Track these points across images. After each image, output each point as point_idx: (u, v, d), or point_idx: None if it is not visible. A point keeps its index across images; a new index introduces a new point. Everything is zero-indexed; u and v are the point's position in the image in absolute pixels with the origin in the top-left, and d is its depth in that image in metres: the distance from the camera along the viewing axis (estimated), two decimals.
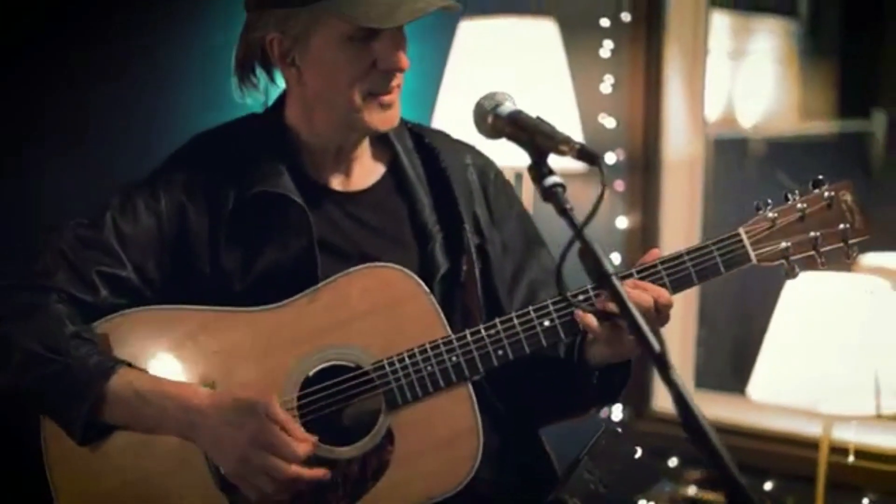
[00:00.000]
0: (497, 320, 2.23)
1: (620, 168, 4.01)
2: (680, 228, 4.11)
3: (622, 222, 4.09)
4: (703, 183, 4.13)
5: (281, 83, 2.40)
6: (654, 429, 3.96)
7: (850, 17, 6.39)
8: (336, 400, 2.26)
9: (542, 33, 3.82)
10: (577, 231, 1.85)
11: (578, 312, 2.19)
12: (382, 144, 2.43)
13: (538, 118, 1.99)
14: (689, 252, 2.22)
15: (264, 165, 2.34)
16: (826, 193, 2.24)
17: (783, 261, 2.24)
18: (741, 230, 2.23)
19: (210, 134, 2.50)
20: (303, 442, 2.17)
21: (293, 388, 2.26)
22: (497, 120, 2.02)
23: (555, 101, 3.80)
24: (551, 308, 2.22)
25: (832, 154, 5.88)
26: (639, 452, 3.96)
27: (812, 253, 2.24)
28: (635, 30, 3.97)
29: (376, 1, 2.20)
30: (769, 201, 2.24)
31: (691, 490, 3.96)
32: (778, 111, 5.72)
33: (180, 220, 2.34)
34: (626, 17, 3.99)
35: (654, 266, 2.22)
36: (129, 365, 2.26)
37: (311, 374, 2.26)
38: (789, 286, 3.51)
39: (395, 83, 2.28)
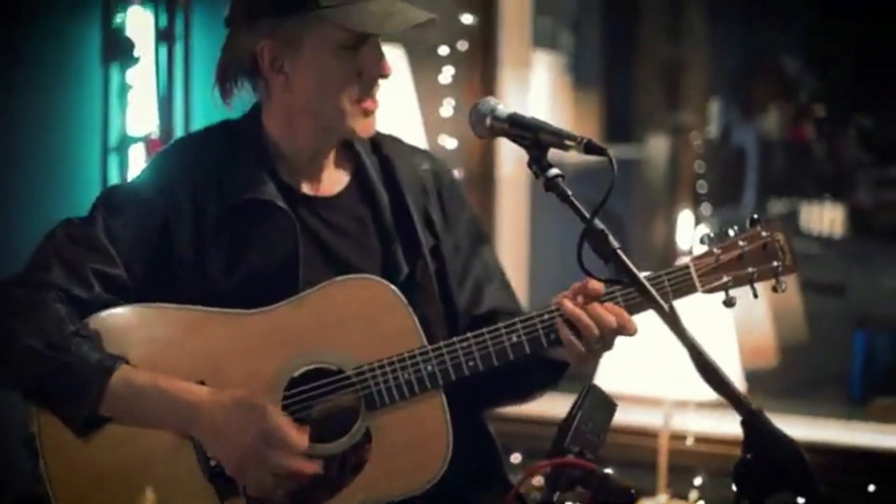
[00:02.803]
0: (469, 334, 2.41)
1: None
2: (512, 240, 4.44)
3: None
4: (530, 200, 4.49)
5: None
6: (499, 428, 4.20)
7: (608, 52, 6.91)
8: (319, 400, 2.39)
9: (392, 60, 4.05)
10: (588, 219, 2.12)
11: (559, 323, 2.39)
12: (345, 152, 2.56)
13: (533, 117, 2.25)
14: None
15: (249, 172, 2.44)
16: (763, 233, 2.45)
17: (723, 292, 2.46)
18: (690, 263, 2.44)
19: (192, 138, 2.62)
20: (300, 438, 2.32)
21: (279, 387, 2.38)
22: (496, 121, 2.27)
23: (403, 123, 4.05)
24: (519, 326, 2.41)
25: (603, 176, 6.35)
26: None
27: (748, 286, 2.46)
28: (471, 58, 4.28)
29: (371, 10, 2.36)
30: (711, 235, 2.45)
31: (537, 481, 4.24)
32: None
33: (167, 224, 2.42)
34: (462, 45, 4.29)
35: (612, 291, 2.42)
36: (128, 362, 2.34)
37: (295, 375, 2.39)
38: None
39: (376, 91, 2.44)
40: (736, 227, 2.47)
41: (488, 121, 2.28)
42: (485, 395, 2.64)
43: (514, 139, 2.25)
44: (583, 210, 2.14)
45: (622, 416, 4.06)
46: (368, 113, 2.44)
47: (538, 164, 2.20)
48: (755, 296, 2.46)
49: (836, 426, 4.30)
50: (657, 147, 6.43)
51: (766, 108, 6.58)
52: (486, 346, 2.40)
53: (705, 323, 3.78)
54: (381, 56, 2.43)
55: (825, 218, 6.42)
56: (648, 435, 4.01)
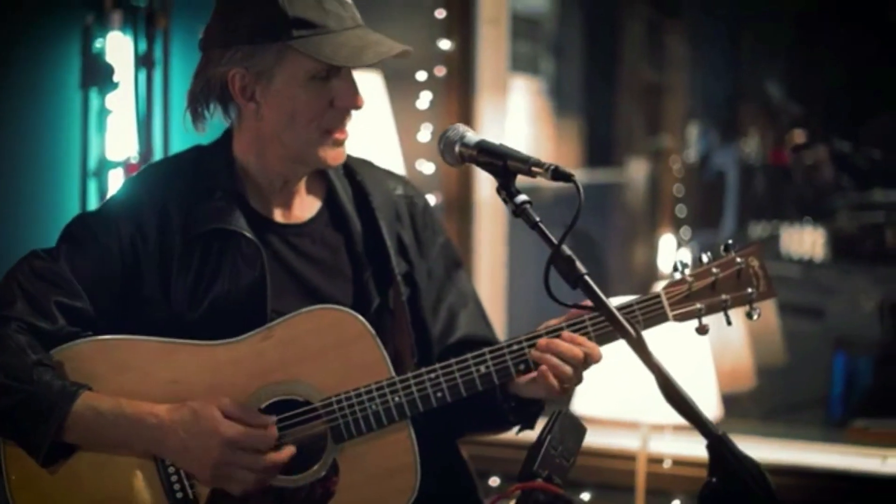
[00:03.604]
0: (437, 365, 2.40)
1: (438, 210, 4.30)
2: (490, 264, 4.45)
3: None
4: (507, 224, 4.50)
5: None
6: (477, 451, 4.21)
7: (589, 76, 6.94)
8: (286, 432, 2.38)
9: (370, 85, 4.09)
10: (557, 245, 2.13)
11: (535, 355, 2.39)
12: (317, 178, 2.56)
13: (501, 144, 2.26)
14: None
15: (216, 200, 2.44)
16: (738, 259, 2.44)
17: (696, 319, 2.44)
18: (662, 292, 2.43)
19: (161, 165, 2.62)
20: (266, 427, 2.33)
21: None
22: (465, 148, 2.28)
23: (381, 148, 4.07)
24: (488, 357, 2.40)
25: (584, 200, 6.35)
26: None
27: (721, 313, 2.44)
28: (449, 84, 4.31)
29: (343, 42, 2.35)
30: (685, 262, 2.43)
31: None
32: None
33: (133, 252, 2.43)
34: (440, 71, 4.31)
35: (582, 321, 2.41)
36: (91, 389, 2.34)
37: (262, 406, 2.39)
38: None
39: (347, 121, 2.43)
40: (710, 254, 2.46)
41: (457, 148, 2.28)
42: (459, 426, 2.65)
43: (483, 166, 2.26)
44: (551, 236, 2.15)
45: (600, 440, 4.16)
46: (338, 143, 2.44)
47: (507, 190, 2.21)
48: (728, 323, 2.45)
49: (815, 449, 4.31)
50: (638, 171, 6.45)
51: (747, 132, 6.61)
52: (453, 377, 2.39)
53: (680, 345, 3.79)
54: (353, 87, 2.42)
55: (805, 241, 6.44)
56: (626, 458, 4.03)
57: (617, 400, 3.77)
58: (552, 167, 2.16)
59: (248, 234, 2.44)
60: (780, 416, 5.10)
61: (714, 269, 2.43)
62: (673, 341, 3.77)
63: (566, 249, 2.13)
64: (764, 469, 1.94)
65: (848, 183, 6.34)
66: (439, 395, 2.39)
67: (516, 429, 2.58)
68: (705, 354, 3.85)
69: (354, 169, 2.61)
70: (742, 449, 3.83)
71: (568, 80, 6.85)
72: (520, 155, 2.21)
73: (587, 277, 2.11)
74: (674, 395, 2.00)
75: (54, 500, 2.38)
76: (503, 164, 2.21)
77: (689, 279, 2.43)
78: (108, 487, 2.37)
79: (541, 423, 2.24)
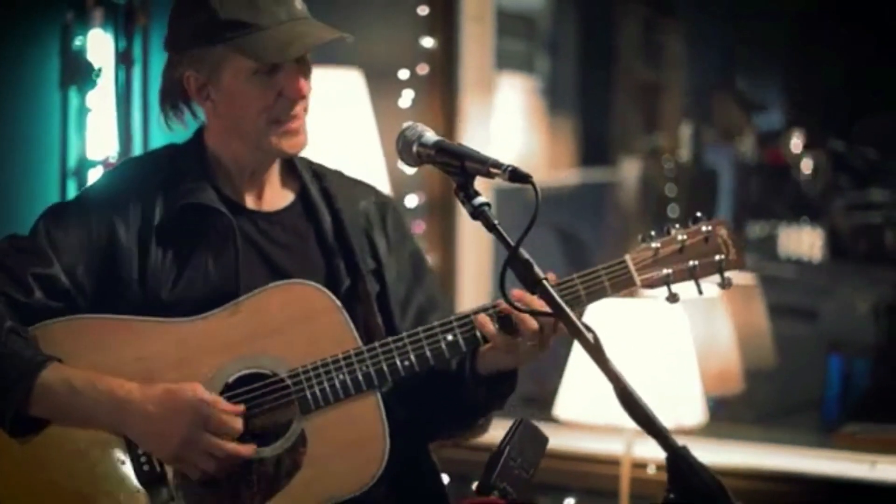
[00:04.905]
0: (404, 334, 2.42)
1: (421, 210, 4.27)
2: (475, 265, 4.41)
3: None
4: None
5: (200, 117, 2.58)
6: (458, 455, 4.17)
7: (585, 76, 6.90)
8: (254, 404, 2.40)
9: (350, 83, 4.05)
10: (514, 247, 2.09)
11: (479, 319, 2.39)
12: (290, 175, 2.61)
13: (460, 145, 2.22)
14: (580, 276, 2.42)
15: (189, 182, 2.50)
16: (704, 227, 2.45)
17: (665, 286, 2.43)
18: (627, 257, 2.43)
19: (138, 160, 2.73)
20: (235, 416, 2.35)
21: (214, 393, 2.39)
22: (422, 148, 2.25)
23: (362, 148, 4.02)
24: (454, 324, 2.41)
25: (578, 200, 6.33)
26: (446, 479, 4.16)
27: (690, 280, 2.43)
28: (432, 82, 4.26)
29: (272, 37, 2.39)
30: (653, 233, 2.44)
31: None
32: (529, 162, 6.11)
33: (109, 233, 2.46)
34: (423, 69, 4.27)
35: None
36: (61, 361, 2.37)
37: (230, 380, 2.40)
38: (588, 313, 3.81)
39: (298, 110, 2.46)
40: (678, 225, 2.47)
41: (415, 147, 2.26)
42: (434, 426, 2.64)
43: (441, 167, 2.23)
44: (508, 239, 2.12)
45: (584, 445, 4.11)
46: (292, 132, 2.47)
47: (465, 191, 2.17)
48: (699, 292, 2.45)
49: (802, 454, 4.26)
50: (631, 170, 6.41)
51: (739, 132, 6.56)
52: (420, 346, 2.41)
53: (663, 347, 3.75)
54: (297, 77, 2.45)
55: (804, 241, 6.39)
56: (610, 463, 3.98)
57: (601, 404, 3.72)
58: (510, 168, 2.13)
59: (222, 209, 2.48)
60: (772, 420, 5.04)
61: (680, 237, 2.44)
62: (654, 341, 3.73)
63: (524, 253, 2.10)
64: (723, 482, 1.88)
65: (845, 182, 6.30)
66: (406, 363, 2.40)
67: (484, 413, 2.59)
68: (689, 355, 3.80)
69: (322, 175, 2.64)
70: (725, 454, 3.78)
71: (562, 79, 6.81)
72: (478, 156, 2.18)
73: (546, 282, 2.07)
74: (632, 404, 1.94)
75: (19, 477, 2.39)
76: (461, 164, 2.18)
77: (656, 245, 2.43)
78: (75, 465, 2.39)
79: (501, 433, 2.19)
